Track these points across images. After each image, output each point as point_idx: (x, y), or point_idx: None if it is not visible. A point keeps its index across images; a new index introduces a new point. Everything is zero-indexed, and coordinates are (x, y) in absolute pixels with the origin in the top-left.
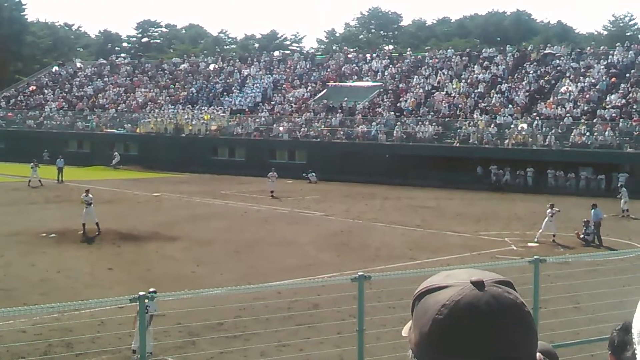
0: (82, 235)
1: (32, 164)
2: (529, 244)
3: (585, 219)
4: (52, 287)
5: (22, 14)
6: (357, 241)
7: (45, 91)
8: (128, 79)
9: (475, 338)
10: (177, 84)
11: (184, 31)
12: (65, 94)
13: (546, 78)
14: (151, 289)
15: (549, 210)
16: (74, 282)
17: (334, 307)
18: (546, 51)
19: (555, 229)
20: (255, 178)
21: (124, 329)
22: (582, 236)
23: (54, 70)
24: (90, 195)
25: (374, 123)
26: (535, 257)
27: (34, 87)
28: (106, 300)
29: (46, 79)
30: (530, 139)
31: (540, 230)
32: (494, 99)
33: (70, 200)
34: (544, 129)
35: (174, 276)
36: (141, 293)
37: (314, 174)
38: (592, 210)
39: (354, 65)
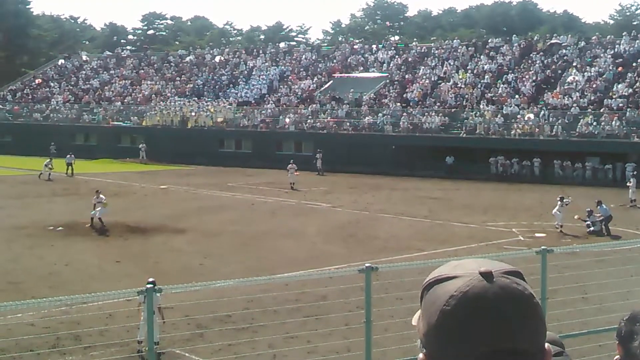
0: (90, 228)
1: (46, 162)
2: (537, 235)
3: (589, 209)
4: (60, 280)
5: (27, 7)
6: (365, 232)
7: (51, 84)
8: (134, 71)
9: (482, 330)
10: (182, 76)
11: (189, 23)
12: (71, 87)
13: (552, 68)
14: (150, 279)
15: (559, 203)
16: (82, 275)
17: (342, 298)
18: (552, 41)
19: (561, 219)
20: (262, 170)
21: (132, 322)
22: (588, 225)
23: (59, 63)
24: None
25: (380, 114)
26: (542, 247)
27: (40, 81)
28: (114, 292)
29: (52, 72)
30: (537, 129)
31: (557, 221)
32: (500, 89)
33: (78, 193)
34: (550, 119)
35: (181, 268)
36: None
37: (320, 154)
38: (599, 207)
39: (360, 56)
